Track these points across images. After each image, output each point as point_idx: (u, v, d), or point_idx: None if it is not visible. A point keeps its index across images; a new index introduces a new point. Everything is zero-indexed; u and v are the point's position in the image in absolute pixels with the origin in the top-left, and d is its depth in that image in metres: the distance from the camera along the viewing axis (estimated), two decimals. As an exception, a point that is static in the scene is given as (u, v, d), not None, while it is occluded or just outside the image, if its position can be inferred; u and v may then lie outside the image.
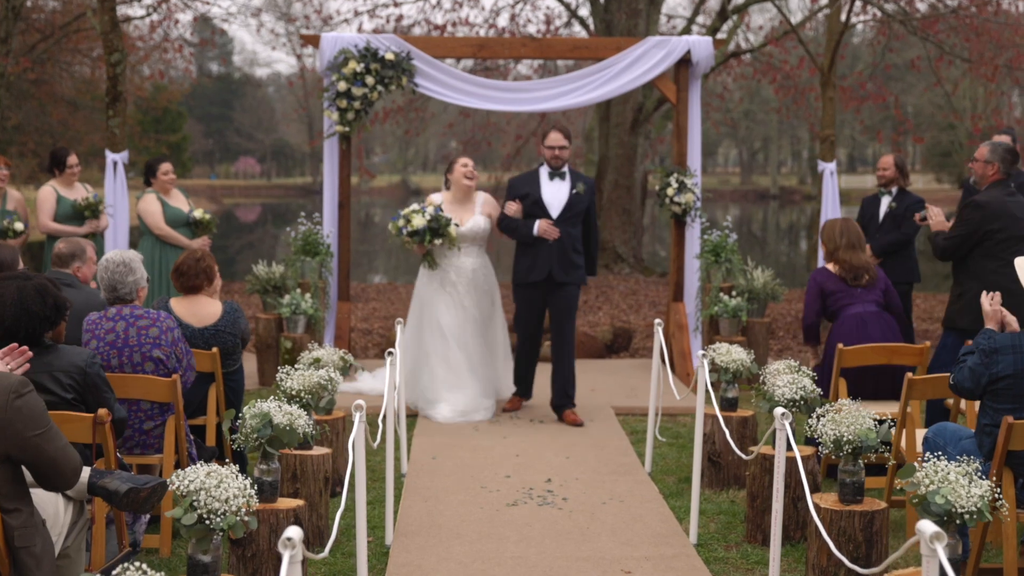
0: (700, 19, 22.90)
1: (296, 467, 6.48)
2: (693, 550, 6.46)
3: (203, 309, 7.32)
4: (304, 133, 66.59)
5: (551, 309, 9.85)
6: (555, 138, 9.80)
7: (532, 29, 23.30)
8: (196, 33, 31.91)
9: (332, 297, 11.61)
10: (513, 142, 24.59)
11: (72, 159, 11.10)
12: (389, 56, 11.25)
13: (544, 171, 9.86)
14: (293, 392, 6.65)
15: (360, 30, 21.81)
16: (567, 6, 21.93)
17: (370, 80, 11.23)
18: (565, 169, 9.81)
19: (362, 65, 11.25)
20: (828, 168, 13.90)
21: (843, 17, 14.08)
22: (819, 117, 15.62)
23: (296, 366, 7.19)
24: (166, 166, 11.38)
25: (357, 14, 22.11)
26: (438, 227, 9.71)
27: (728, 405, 7.84)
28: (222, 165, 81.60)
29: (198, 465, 4.36)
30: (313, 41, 11.69)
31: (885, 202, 11.12)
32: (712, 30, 19.39)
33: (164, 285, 10.98)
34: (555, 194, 9.73)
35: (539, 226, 9.59)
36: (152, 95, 31.24)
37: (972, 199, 8.26)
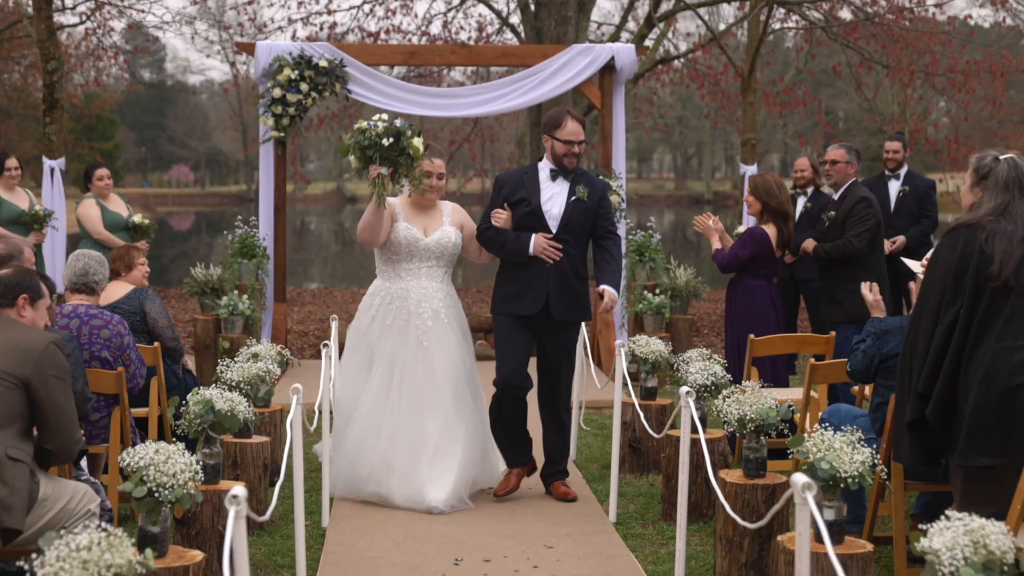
0: (630, 26, 23.35)
1: (236, 454, 6.82)
2: (612, 527, 6.89)
3: (111, 291, 7.71)
4: (238, 141, 66.43)
5: (544, 352, 7.45)
6: (574, 130, 7.30)
7: (464, 36, 23.65)
8: (129, 41, 31.95)
9: (268, 298, 11.94)
10: (447, 148, 24.89)
11: (11, 162, 11.32)
12: (323, 63, 11.61)
13: (545, 169, 7.42)
14: (233, 383, 6.99)
15: (294, 37, 22.05)
16: (498, 14, 22.30)
17: (304, 87, 11.58)
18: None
19: (296, 72, 11.60)
20: (750, 171, 14.45)
21: (761, 26, 14.63)
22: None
23: (235, 359, 7.53)
24: (102, 171, 11.63)
25: (291, 22, 22.36)
26: (397, 133, 7.02)
27: (648, 394, 8.28)
28: (155, 173, 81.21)
29: (147, 443, 4.71)
30: (248, 49, 12.05)
31: (800, 202, 11.63)
32: (640, 37, 19.84)
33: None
34: (556, 200, 7.35)
35: (535, 243, 7.23)
36: (86, 103, 31.30)
37: (862, 195, 8.87)
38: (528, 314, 7.27)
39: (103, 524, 3.64)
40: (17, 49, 25.92)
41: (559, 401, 7.50)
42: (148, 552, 3.60)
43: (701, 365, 7.06)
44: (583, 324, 8.04)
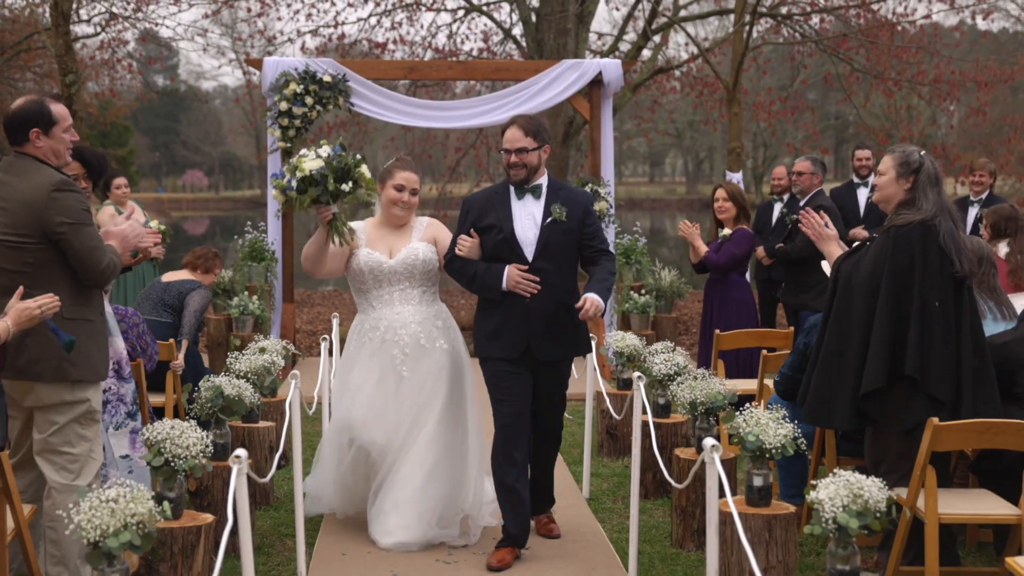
0: (628, 37, 23.98)
1: (244, 437, 7.55)
2: (584, 502, 7.63)
3: (178, 275, 9.08)
4: (252, 146, 67.13)
5: (534, 387, 6.57)
6: (510, 136, 6.45)
7: (469, 47, 24.35)
8: (144, 51, 32.74)
9: (277, 299, 12.68)
10: (453, 154, 25.57)
11: (120, 180, 12.30)
12: (327, 78, 12.36)
13: (512, 187, 6.53)
14: (241, 373, 7.71)
15: (303, 49, 22.81)
16: (500, 26, 22.98)
17: (309, 100, 12.34)
18: (541, 182, 6.50)
19: (301, 86, 12.35)
20: (735, 177, 15.17)
21: (744, 38, 15.33)
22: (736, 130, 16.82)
23: (244, 353, 8.26)
24: (120, 180, 12.35)
25: (300, 34, 23.05)
26: (343, 168, 6.57)
27: (624, 384, 9.02)
28: (169, 178, 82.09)
29: (164, 420, 5.44)
30: (256, 64, 12.80)
31: (777, 208, 12.34)
32: (637, 49, 20.49)
33: (120, 293, 11.92)
34: (528, 222, 6.45)
35: (508, 276, 6.34)
36: (101, 111, 32.09)
37: (819, 204, 9.72)
38: (510, 357, 6.43)
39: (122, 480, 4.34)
40: (33, 59, 26.66)
41: (549, 436, 6.81)
42: (165, 504, 4.31)
43: (665, 356, 7.77)
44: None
